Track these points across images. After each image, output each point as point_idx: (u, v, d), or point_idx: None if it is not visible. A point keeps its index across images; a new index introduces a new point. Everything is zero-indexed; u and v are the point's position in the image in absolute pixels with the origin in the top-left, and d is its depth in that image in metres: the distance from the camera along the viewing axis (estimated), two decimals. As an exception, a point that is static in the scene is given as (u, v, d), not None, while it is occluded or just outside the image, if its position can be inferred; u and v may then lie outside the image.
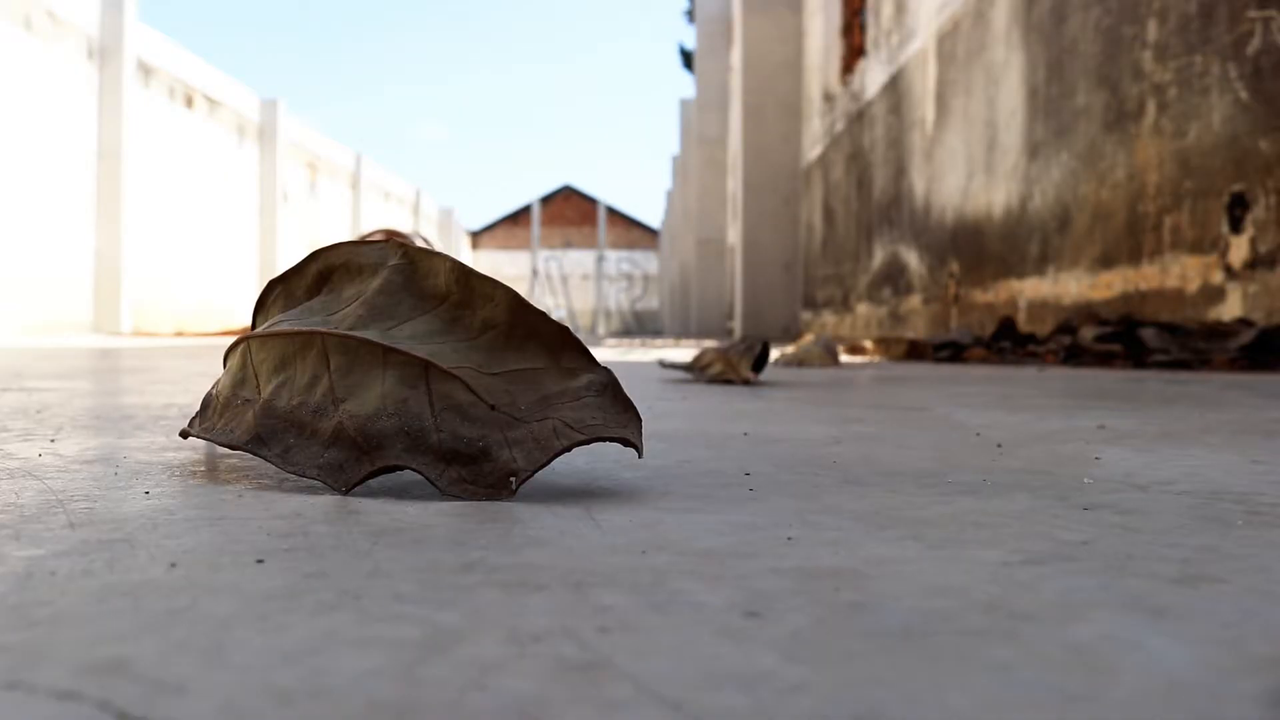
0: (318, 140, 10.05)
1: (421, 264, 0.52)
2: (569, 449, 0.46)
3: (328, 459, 0.47)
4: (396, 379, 0.48)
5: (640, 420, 0.49)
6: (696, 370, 1.48)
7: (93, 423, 0.79)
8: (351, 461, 0.46)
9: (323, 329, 0.50)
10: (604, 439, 0.46)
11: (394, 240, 0.53)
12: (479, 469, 0.45)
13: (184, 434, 0.55)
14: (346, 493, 0.46)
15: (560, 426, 0.46)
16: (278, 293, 0.56)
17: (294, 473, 0.47)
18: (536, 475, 0.51)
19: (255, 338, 0.52)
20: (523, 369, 0.48)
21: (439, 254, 0.51)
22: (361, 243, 0.54)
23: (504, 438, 0.46)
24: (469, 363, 0.48)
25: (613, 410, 0.48)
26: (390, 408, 0.47)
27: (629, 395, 0.51)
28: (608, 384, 0.48)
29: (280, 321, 0.53)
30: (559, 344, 0.49)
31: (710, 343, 4.62)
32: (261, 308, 0.56)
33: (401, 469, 0.46)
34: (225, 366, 0.55)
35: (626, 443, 0.47)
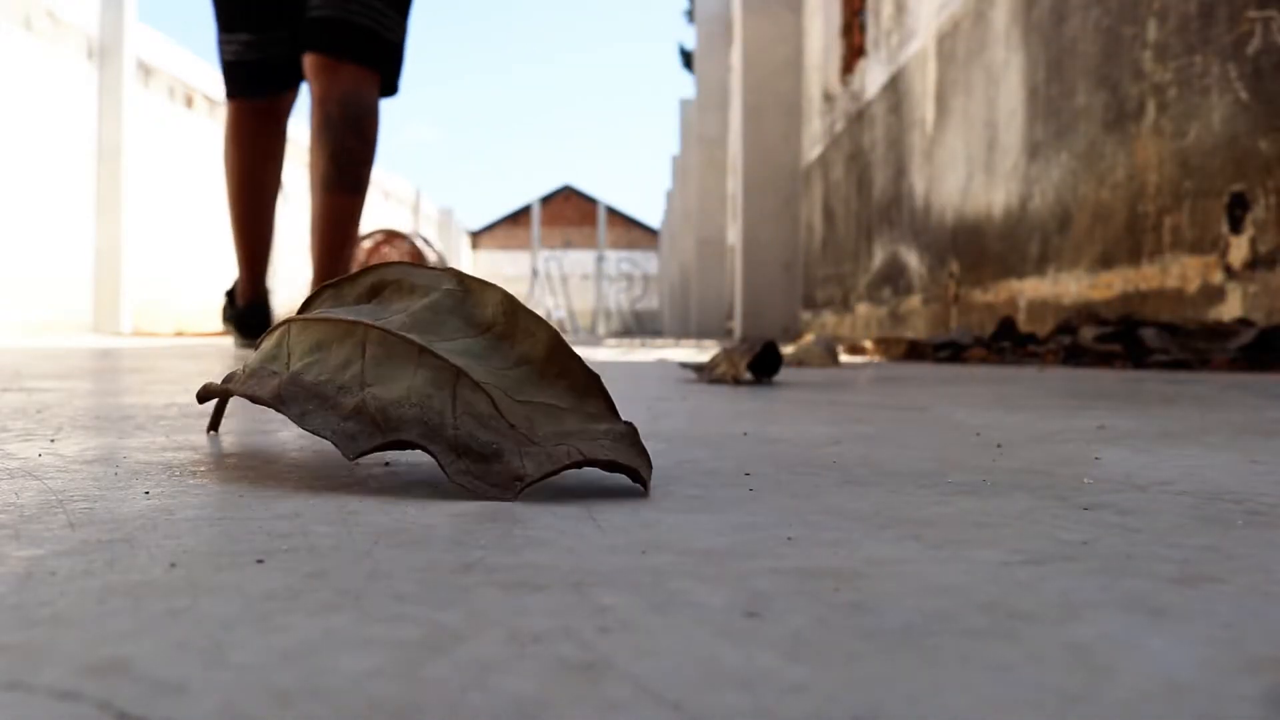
0: (318, 140, 10.03)
1: (475, 293, 0.54)
2: (579, 465, 0.47)
3: (344, 428, 0.48)
4: (427, 378, 0.49)
5: (651, 464, 0.50)
6: (706, 371, 1.49)
7: (93, 423, 0.79)
8: (366, 434, 0.48)
9: (367, 320, 0.52)
10: (614, 466, 0.47)
11: (452, 269, 0.55)
12: (488, 467, 0.46)
13: (201, 396, 0.54)
14: (355, 459, 0.48)
15: (573, 450, 0.48)
16: (327, 295, 0.57)
17: (310, 430, 0.49)
18: (537, 476, 0.52)
19: (297, 320, 0.53)
20: (548, 404, 0.50)
21: (492, 285, 0.53)
22: (415, 265, 0.56)
23: (517, 449, 0.47)
24: (499, 385, 0.50)
25: (627, 453, 0.49)
26: (414, 399, 0.48)
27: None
28: (625, 434, 0.50)
29: (326, 312, 0.54)
30: (587, 390, 0.51)
31: (710, 344, 4.63)
32: (307, 308, 0.57)
33: (414, 447, 0.47)
34: (258, 349, 0.55)
35: (635, 477, 0.47)
